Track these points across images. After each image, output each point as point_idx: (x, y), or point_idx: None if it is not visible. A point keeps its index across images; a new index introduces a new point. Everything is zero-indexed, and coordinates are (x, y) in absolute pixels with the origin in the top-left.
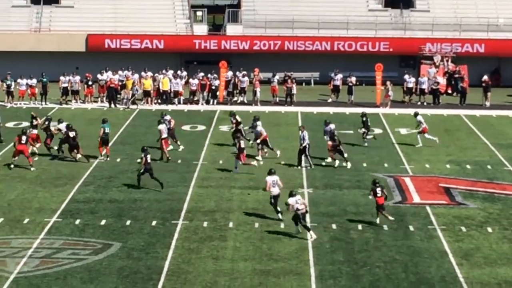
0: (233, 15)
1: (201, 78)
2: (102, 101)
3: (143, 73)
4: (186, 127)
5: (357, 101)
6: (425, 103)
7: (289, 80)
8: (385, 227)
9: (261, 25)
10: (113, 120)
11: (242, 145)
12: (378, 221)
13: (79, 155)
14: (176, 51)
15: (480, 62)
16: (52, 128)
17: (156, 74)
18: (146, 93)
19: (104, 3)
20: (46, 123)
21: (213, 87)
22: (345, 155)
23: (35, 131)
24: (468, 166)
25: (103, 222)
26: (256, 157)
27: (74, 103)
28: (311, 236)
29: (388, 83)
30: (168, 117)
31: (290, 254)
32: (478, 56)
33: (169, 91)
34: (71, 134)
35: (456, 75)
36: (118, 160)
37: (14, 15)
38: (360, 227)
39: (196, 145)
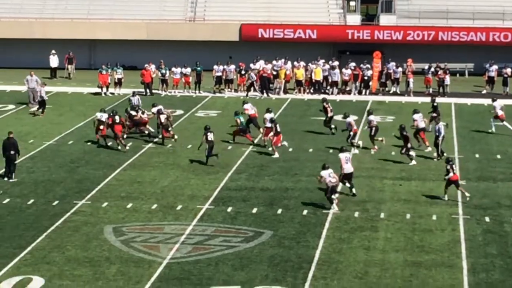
0: (387, 5)
1: (353, 68)
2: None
3: (295, 63)
4: (338, 117)
5: None
6: None
7: (441, 71)
8: None
9: (415, 15)
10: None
11: (278, 129)
12: None
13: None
14: (328, 41)
15: None
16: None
17: (309, 64)
18: (298, 83)
19: None
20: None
21: (366, 77)
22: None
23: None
24: None
25: (254, 210)
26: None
27: (227, 91)
28: (333, 208)
29: None
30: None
31: (442, 246)
32: None
33: (321, 80)
34: (162, 117)
35: None
36: (270, 149)
37: (170, 4)
38: None
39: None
